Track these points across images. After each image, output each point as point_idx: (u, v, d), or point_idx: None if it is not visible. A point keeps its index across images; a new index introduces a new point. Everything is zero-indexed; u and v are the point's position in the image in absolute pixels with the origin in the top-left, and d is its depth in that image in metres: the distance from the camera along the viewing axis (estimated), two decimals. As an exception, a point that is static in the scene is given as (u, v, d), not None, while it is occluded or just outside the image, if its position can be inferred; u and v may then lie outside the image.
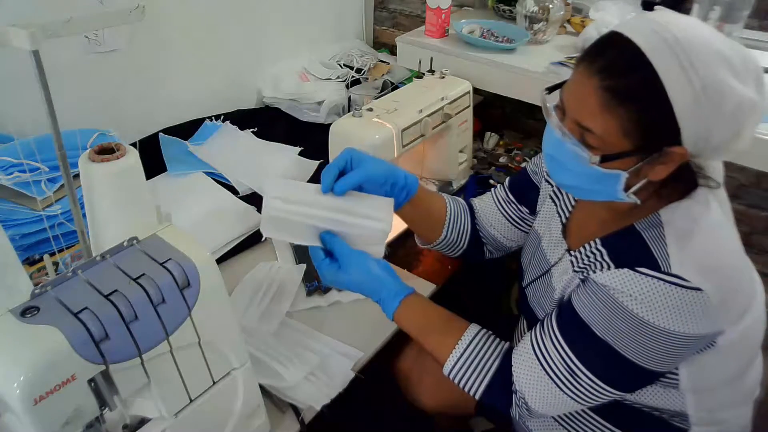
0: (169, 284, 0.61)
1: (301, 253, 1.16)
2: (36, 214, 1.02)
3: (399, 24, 2.03)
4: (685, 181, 0.75)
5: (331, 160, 0.96)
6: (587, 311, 0.75)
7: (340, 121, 1.17)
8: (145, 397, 0.65)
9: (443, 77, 1.35)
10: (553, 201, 0.95)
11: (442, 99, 1.27)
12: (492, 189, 1.08)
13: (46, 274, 0.94)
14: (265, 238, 1.21)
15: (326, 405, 0.85)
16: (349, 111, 1.67)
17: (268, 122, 1.64)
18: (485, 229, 1.06)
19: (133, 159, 0.73)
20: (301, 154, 1.50)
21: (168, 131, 1.49)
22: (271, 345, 0.94)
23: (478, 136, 1.65)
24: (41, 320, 0.55)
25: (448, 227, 1.02)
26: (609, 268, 0.74)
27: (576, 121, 0.71)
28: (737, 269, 0.73)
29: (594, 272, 0.76)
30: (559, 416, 0.91)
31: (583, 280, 0.79)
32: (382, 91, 1.70)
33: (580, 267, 0.81)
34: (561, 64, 1.35)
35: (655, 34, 0.65)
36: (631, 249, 0.73)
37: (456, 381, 0.84)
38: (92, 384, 0.57)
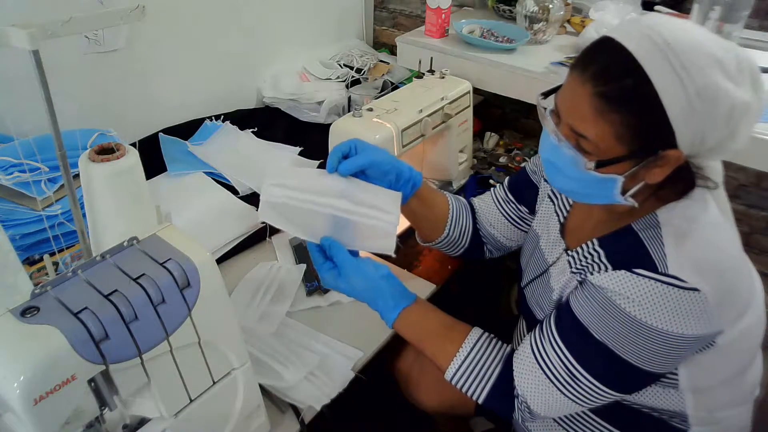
0: (169, 284, 0.61)
1: (301, 253, 1.16)
2: (36, 214, 1.02)
3: (399, 24, 2.03)
4: (683, 181, 0.75)
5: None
6: (585, 314, 0.75)
7: (340, 121, 1.17)
8: (145, 397, 0.66)
9: (443, 77, 1.35)
10: (552, 200, 0.95)
11: (442, 99, 1.27)
12: (491, 188, 1.08)
13: (46, 274, 0.94)
14: (266, 239, 1.21)
15: (326, 405, 0.85)
16: (349, 111, 1.67)
17: (268, 122, 1.64)
18: (485, 229, 1.06)
19: (133, 159, 0.73)
20: (301, 154, 1.50)
21: (168, 131, 1.49)
22: (271, 345, 0.94)
23: (478, 136, 1.65)
24: (41, 320, 0.55)
25: (451, 225, 1.02)
26: (606, 269, 0.74)
27: (570, 126, 0.71)
28: (735, 269, 0.72)
29: (591, 274, 0.76)
30: (560, 417, 0.91)
31: (580, 282, 0.79)
32: (382, 91, 1.70)
33: (577, 268, 0.81)
34: (561, 64, 1.35)
35: (647, 38, 0.65)
36: (629, 250, 0.73)
37: (458, 387, 0.84)
38: (92, 384, 0.57)
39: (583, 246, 0.81)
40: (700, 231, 0.71)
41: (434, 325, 0.87)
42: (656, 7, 1.50)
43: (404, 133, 1.16)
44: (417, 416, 1.17)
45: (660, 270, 0.68)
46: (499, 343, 0.86)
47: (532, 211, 1.01)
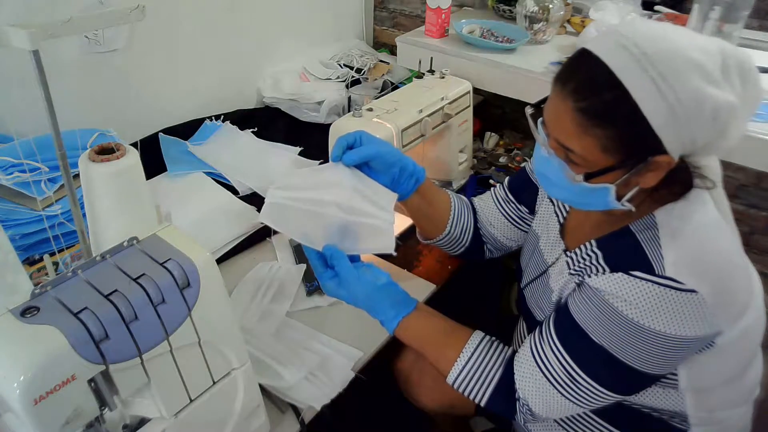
0: (169, 284, 0.61)
1: (301, 253, 1.16)
2: (36, 214, 1.02)
3: (399, 24, 2.03)
4: (680, 182, 0.75)
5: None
6: (583, 316, 0.75)
7: (340, 121, 1.17)
8: (145, 397, 0.65)
9: (443, 77, 1.35)
10: (551, 201, 0.95)
11: (442, 99, 1.27)
12: (492, 188, 1.08)
13: (46, 274, 0.94)
14: (266, 239, 1.21)
15: (326, 405, 0.85)
16: (349, 111, 1.67)
17: (268, 122, 1.64)
18: (485, 228, 1.06)
19: (133, 159, 0.73)
20: (301, 154, 1.50)
21: (168, 131, 1.49)
22: (271, 345, 0.94)
23: (478, 136, 1.65)
24: (41, 320, 0.54)
25: (452, 223, 1.03)
26: (604, 272, 0.74)
27: (557, 140, 0.72)
28: (733, 269, 0.72)
29: (589, 276, 0.76)
30: (561, 419, 0.91)
31: (579, 284, 0.79)
32: (382, 91, 1.70)
33: (576, 269, 0.81)
34: (561, 64, 1.35)
35: (623, 49, 0.64)
36: (626, 252, 0.73)
37: (460, 391, 0.84)
38: (92, 384, 0.57)
39: (582, 247, 0.81)
40: (698, 232, 0.71)
41: (434, 331, 0.87)
42: (656, 7, 1.50)
43: (404, 133, 1.16)
44: (417, 416, 1.17)
45: (657, 272, 0.68)
46: (500, 345, 0.86)
47: (532, 211, 1.01)
